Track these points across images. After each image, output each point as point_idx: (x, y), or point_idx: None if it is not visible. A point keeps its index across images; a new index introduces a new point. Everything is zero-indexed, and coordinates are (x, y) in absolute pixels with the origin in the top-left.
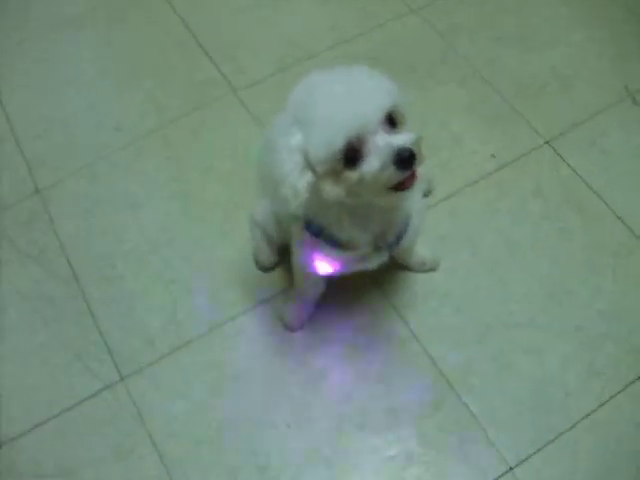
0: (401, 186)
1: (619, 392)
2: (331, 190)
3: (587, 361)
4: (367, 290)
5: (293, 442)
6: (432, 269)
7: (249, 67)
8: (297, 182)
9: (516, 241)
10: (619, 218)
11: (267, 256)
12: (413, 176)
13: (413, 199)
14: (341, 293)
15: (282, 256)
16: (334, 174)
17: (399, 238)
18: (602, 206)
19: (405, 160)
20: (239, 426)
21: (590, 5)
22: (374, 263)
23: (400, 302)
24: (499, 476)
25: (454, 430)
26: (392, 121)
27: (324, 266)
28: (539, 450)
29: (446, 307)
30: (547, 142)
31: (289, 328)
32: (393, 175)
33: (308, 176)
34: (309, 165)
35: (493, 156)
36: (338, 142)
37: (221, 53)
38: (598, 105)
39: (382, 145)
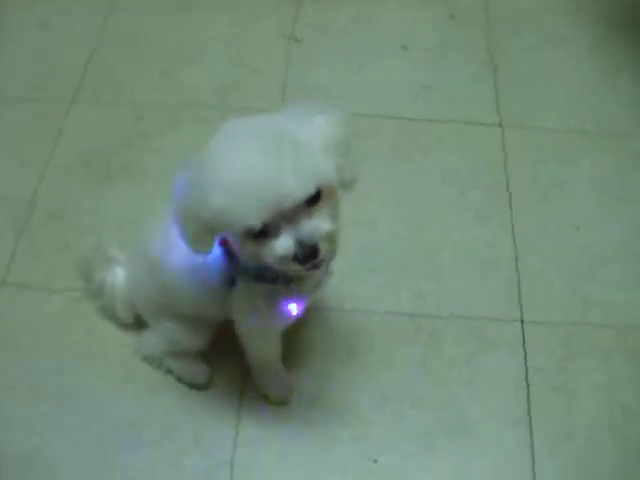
0: (307, 266)
1: None
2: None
3: None
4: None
5: None
6: None
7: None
8: (187, 227)
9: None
10: None
11: (199, 370)
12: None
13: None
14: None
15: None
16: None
17: None
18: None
19: (306, 256)
20: None
21: None
22: (327, 282)
23: None
24: None
25: None
26: (315, 196)
27: (293, 307)
28: None
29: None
30: None
31: (284, 400)
32: (292, 265)
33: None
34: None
35: None
36: (236, 226)
37: None
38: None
39: (287, 235)
